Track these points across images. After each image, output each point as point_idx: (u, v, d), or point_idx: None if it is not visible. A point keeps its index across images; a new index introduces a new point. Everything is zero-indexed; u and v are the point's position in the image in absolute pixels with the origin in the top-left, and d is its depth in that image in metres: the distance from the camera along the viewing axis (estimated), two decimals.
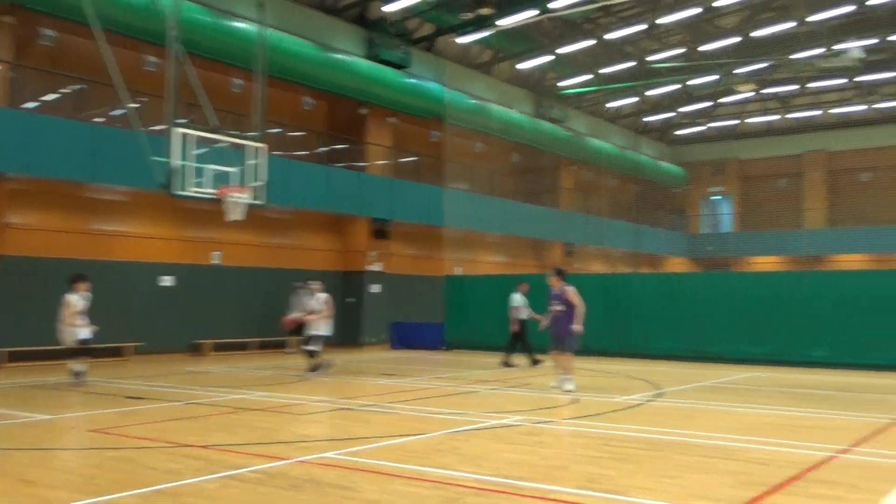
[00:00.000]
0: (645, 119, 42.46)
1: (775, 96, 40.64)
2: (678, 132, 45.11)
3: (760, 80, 36.53)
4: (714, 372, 16.75)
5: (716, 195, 45.54)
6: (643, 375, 15.97)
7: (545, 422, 9.72)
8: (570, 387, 12.64)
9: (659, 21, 29.55)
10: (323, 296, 15.94)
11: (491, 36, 27.71)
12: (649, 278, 22.70)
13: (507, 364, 17.86)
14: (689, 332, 19.87)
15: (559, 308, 12.85)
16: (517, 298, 18.11)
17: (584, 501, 5.88)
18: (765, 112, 42.44)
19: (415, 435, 8.59)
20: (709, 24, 32.15)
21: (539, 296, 21.86)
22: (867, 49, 30.80)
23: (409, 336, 24.30)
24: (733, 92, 37.48)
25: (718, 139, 44.67)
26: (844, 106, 40.22)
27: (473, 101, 29.35)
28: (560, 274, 13.15)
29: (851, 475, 6.84)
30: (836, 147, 41.13)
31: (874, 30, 30.35)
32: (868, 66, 33.67)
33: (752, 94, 38.66)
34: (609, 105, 39.40)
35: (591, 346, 21.09)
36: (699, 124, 44.17)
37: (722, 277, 21.83)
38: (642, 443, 8.33)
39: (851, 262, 37.30)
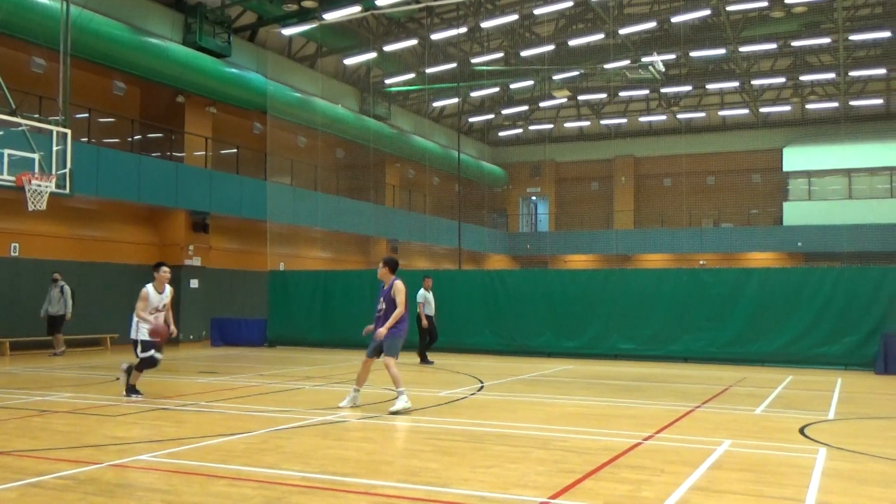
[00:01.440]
0: (467, 119, 43.52)
1: (588, 103, 42.84)
2: (499, 133, 46.58)
3: (574, 87, 38.40)
4: (532, 365, 17.43)
5: (533, 195, 47.45)
6: (466, 370, 16.36)
7: (371, 417, 9.73)
8: (400, 405, 9.99)
9: (481, 25, 30.40)
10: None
11: (315, 29, 27.41)
12: (471, 275, 23.27)
13: (424, 361, 17.84)
14: (508, 328, 20.59)
15: (382, 307, 10.45)
16: (422, 294, 18.10)
17: (407, 494, 5.93)
18: (579, 117, 44.65)
19: (237, 434, 8.35)
20: (527, 30, 33.42)
21: (359, 292, 22.07)
22: (668, 63, 33.18)
23: (230, 333, 23.59)
24: (550, 97, 39.14)
25: (536, 142, 46.55)
26: (649, 115, 43.07)
27: (297, 95, 28.91)
28: (390, 265, 10.72)
29: (657, 459, 7.32)
30: (642, 153, 44.00)
31: (675, 46, 32.72)
32: (670, 79, 36.27)
33: (567, 99, 40.53)
34: (433, 104, 40.04)
35: (416, 342, 21.40)
36: (518, 127, 45.83)
37: (539, 274, 22.73)
38: (465, 435, 8.53)
39: (654, 261, 40.04)
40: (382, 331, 10.24)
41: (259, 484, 6.16)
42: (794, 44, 33.15)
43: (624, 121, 43.95)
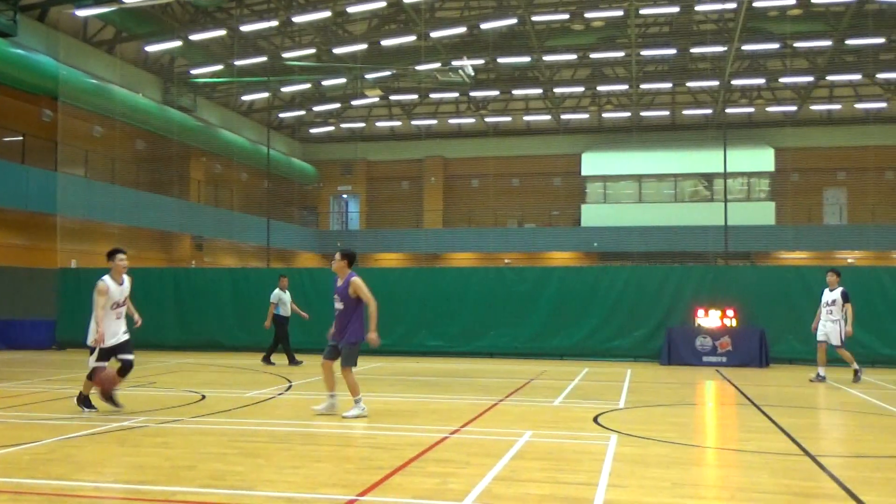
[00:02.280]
0: (278, 115, 42.68)
1: (399, 103, 43.28)
2: (310, 130, 46.05)
3: (386, 86, 38.68)
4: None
5: (345, 194, 47.30)
6: (273, 369, 16.03)
7: (171, 421, 9.30)
8: (355, 412, 9.50)
9: (293, 19, 29.90)
10: None
11: (113, 13, 25.85)
12: (279, 273, 22.86)
13: (267, 361, 17.17)
14: (317, 325, 20.32)
15: (340, 306, 9.67)
16: (276, 294, 17.31)
17: (210, 500, 5.72)
18: (390, 117, 45.01)
19: (21, 444, 7.69)
20: (340, 28, 33.27)
21: (160, 292, 21.08)
22: (477, 67, 34.21)
23: (13, 335, 21.73)
24: (362, 95, 39.18)
25: (348, 140, 46.44)
26: (459, 117, 44.18)
27: (93, 81, 27.14)
28: (349, 258, 9.86)
29: (462, 452, 7.50)
30: (452, 154, 45.03)
31: (484, 51, 33.77)
32: (478, 83, 37.38)
33: (379, 99, 40.74)
34: (242, 98, 38.93)
35: (221, 342, 20.73)
36: (330, 124, 45.52)
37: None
38: (271, 436, 8.35)
39: (462, 259, 41.10)
40: (374, 336, 9.46)
41: (45, 498, 5.71)
42: (593, 56, 35.14)
43: (434, 122, 44.78)
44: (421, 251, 41.18)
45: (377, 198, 46.17)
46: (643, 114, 42.20)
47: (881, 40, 31.87)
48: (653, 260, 34.37)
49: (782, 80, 37.27)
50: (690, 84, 38.03)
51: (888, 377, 15.33)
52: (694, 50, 33.72)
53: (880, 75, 36.17)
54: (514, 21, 31.05)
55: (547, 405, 11.05)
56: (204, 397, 11.49)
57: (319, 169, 45.67)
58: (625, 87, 38.52)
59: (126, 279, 10.15)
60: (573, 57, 35.12)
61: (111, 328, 9.85)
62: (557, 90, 39.43)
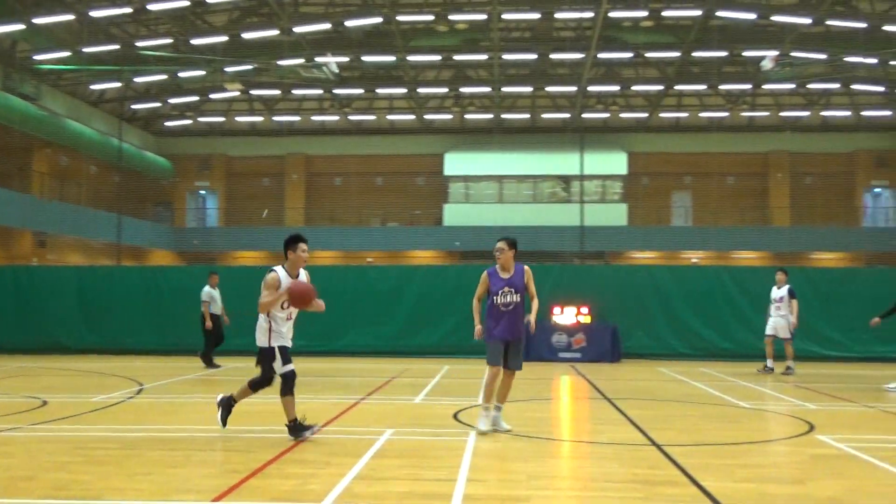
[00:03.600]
0: (131, 106, 40.84)
1: (261, 98, 42.37)
2: (166, 123, 44.31)
3: (247, 80, 37.75)
4: (197, 364, 16.75)
5: (202, 189, 45.81)
6: (123, 372, 15.30)
7: (9, 429, 8.70)
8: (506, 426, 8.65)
9: (148, 7, 28.67)
10: None
11: None
12: (131, 271, 21.88)
13: (209, 364, 16.18)
14: (172, 326, 19.62)
15: (516, 298, 8.52)
16: (207, 291, 16.31)
17: None
18: (251, 112, 43.97)
19: None
20: (199, 18, 32.19)
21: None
22: (341, 65, 33.95)
23: None
24: (221, 89, 38.09)
25: (206, 134, 45.01)
26: (322, 114, 43.71)
27: None
28: (514, 246, 8.73)
29: (322, 452, 7.41)
30: (314, 152, 44.47)
31: (348, 48, 33.54)
32: (342, 81, 37.10)
33: (239, 93, 39.74)
34: (92, 87, 36.98)
35: (66, 344, 19.65)
36: (187, 117, 43.95)
37: (207, 271, 21.97)
38: (120, 442, 7.96)
39: (325, 258, 40.64)
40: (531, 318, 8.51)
41: None
42: (456, 57, 35.60)
43: (297, 118, 44.10)
44: (281, 249, 40.40)
45: (237, 194, 44.96)
46: (504, 116, 43.12)
47: (724, 53, 33.90)
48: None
49: (635, 87, 39.00)
50: (550, 88, 39.16)
51: (727, 370, 16.33)
52: (553, 56, 34.77)
53: (723, 86, 38.48)
54: (379, 20, 31.00)
55: (408, 403, 11.10)
56: (45, 403, 10.82)
57: (175, 163, 43.98)
58: (487, 89, 39.23)
59: (303, 273, 8.64)
60: (437, 58, 35.45)
61: None
62: (421, 90, 39.69)
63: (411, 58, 34.62)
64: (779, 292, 15.72)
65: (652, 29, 32.55)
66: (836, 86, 37.81)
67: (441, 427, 8.97)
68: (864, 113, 41.14)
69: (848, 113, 41.44)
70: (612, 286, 19.55)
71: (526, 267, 8.61)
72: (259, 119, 44.39)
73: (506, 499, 5.88)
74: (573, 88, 38.30)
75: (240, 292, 17.84)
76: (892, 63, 33.19)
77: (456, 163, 43.30)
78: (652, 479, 6.49)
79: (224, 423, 8.33)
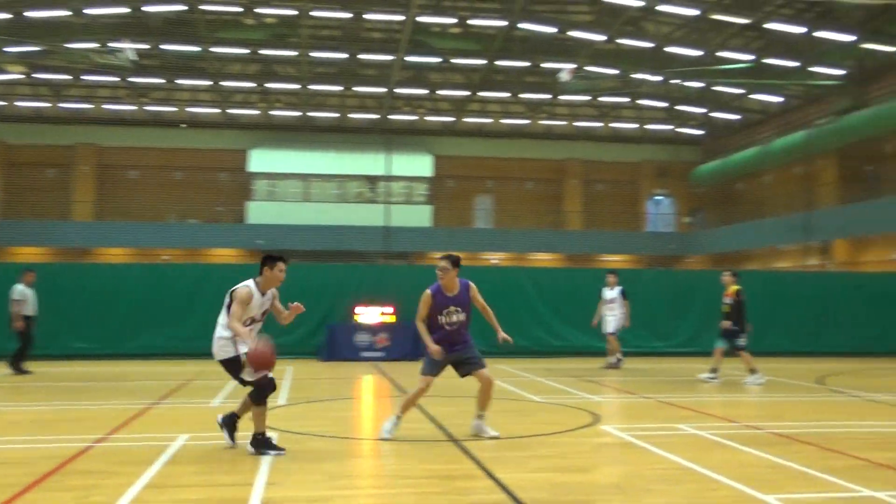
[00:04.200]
0: None
1: (48, 83, 39.32)
2: None
3: (32, 63, 34.90)
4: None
5: None
6: None
7: None
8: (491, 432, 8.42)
9: None
10: None
11: None
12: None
13: (18, 371, 14.37)
14: None
15: (462, 317, 8.30)
16: (20, 290, 14.47)
17: None
18: (36, 97, 40.71)
19: None
20: None
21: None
22: (140, 52, 32.20)
23: None
24: (2, 71, 34.96)
25: None
26: (117, 103, 41.26)
27: None
28: (457, 264, 8.37)
29: (108, 461, 6.98)
30: (107, 142, 41.80)
31: (147, 35, 31.88)
32: (140, 69, 35.21)
33: (23, 76, 36.68)
34: None
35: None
36: None
37: None
38: None
39: (116, 255, 38.41)
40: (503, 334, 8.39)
41: None
42: (263, 52, 34.80)
43: (89, 106, 41.34)
44: (69, 245, 37.75)
45: (17, 185, 41.32)
46: (312, 114, 42.70)
47: (526, 64, 35.44)
48: (318, 258, 34.90)
49: (441, 92, 39.90)
50: (358, 89, 39.24)
51: (522, 366, 17.04)
52: (363, 56, 34.85)
53: (524, 95, 40.21)
54: (182, 7, 29.70)
55: (204, 406, 10.69)
56: None
57: None
58: (295, 86, 38.68)
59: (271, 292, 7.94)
60: (244, 51, 34.50)
61: None
62: (225, 83, 38.47)
63: (216, 49, 33.47)
64: (611, 293, 16.90)
65: (459, 36, 33.43)
66: (625, 100, 40.61)
67: (239, 430, 8.71)
68: (649, 126, 44.49)
69: (635, 126, 44.65)
70: (415, 286, 19.66)
71: (470, 283, 8.40)
72: (45, 105, 41.18)
73: (305, 500, 5.81)
74: (382, 90, 38.59)
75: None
76: (673, 81, 36.09)
77: (261, 159, 42.36)
78: (450, 473, 6.65)
79: (233, 440, 7.78)
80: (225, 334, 7.55)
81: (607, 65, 34.63)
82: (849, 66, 32.70)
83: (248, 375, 7.46)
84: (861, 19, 28.64)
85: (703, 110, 41.70)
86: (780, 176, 38.82)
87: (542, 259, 41.86)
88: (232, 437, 7.79)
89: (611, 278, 17.10)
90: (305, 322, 18.76)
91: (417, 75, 38.84)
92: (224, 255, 39.81)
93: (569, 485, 6.31)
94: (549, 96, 39.80)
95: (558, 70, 33.39)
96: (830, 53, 31.11)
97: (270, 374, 7.46)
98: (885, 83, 32.06)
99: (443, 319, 8.15)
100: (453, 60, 35.52)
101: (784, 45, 31.56)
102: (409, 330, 18.86)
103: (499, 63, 35.20)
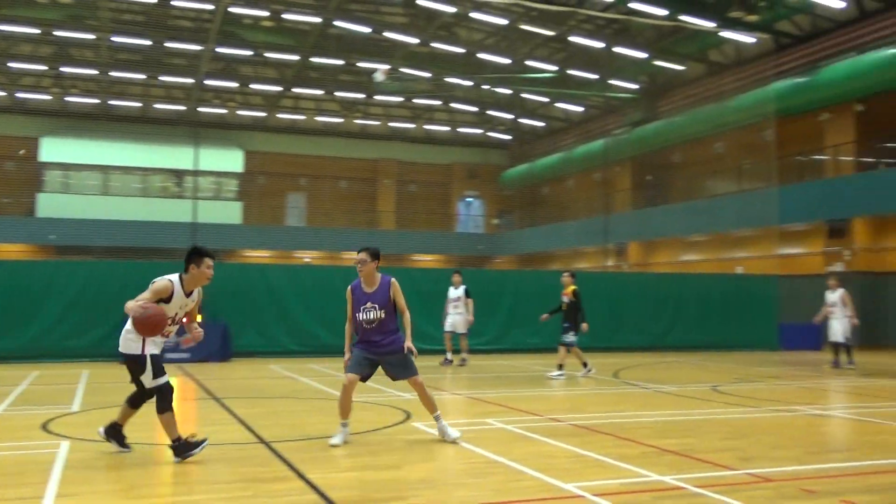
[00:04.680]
0: None
1: None
2: None
3: None
4: None
5: None
6: None
7: None
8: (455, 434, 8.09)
9: None
10: None
11: None
12: None
13: None
14: None
15: (381, 315, 7.88)
16: None
17: None
18: None
19: None
20: None
21: None
22: None
23: None
24: None
25: None
26: None
27: None
28: (376, 257, 8.11)
29: None
30: None
31: None
32: None
33: None
34: None
35: None
36: None
37: None
38: None
39: None
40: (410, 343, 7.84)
41: None
42: (58, 33, 32.45)
43: None
44: None
45: None
46: (112, 102, 40.33)
47: (341, 62, 35.29)
48: (118, 255, 32.98)
49: (253, 86, 38.93)
50: (164, 78, 37.49)
51: (334, 365, 16.92)
52: (169, 44, 33.32)
53: (339, 93, 40.03)
54: None
55: None
56: None
57: None
58: (94, 71, 36.36)
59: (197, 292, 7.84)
60: (35, 31, 31.98)
61: None
62: (14, 65, 35.51)
63: (3, 27, 30.80)
64: (456, 292, 17.18)
65: (272, 29, 32.76)
66: (438, 102, 41.44)
67: (26, 439, 8.06)
68: (460, 129, 45.66)
69: (447, 128, 45.67)
70: (223, 285, 19.12)
71: (393, 280, 7.98)
72: None
73: None
74: (189, 80, 37.10)
75: None
76: (484, 86, 37.25)
77: (54, 148, 39.49)
78: (260, 476, 6.48)
79: (125, 445, 7.32)
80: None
81: (421, 67, 35.20)
82: (642, 81, 35.22)
83: (147, 381, 7.01)
84: (652, 38, 30.90)
85: (512, 116, 43.36)
86: (581, 181, 41.09)
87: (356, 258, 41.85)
88: (123, 444, 7.33)
89: (456, 277, 17.47)
90: (103, 323, 17.67)
91: (228, 67, 37.69)
92: (11, 250, 36.74)
93: (379, 482, 6.33)
94: (363, 95, 39.91)
95: (373, 70, 33.54)
96: (626, 68, 33.37)
97: (167, 378, 7.10)
98: (674, 98, 34.80)
99: (360, 316, 7.88)
100: (266, 54, 34.78)
101: (585, 57, 33.48)
102: (217, 329, 18.28)
103: (313, 60, 34.86)
